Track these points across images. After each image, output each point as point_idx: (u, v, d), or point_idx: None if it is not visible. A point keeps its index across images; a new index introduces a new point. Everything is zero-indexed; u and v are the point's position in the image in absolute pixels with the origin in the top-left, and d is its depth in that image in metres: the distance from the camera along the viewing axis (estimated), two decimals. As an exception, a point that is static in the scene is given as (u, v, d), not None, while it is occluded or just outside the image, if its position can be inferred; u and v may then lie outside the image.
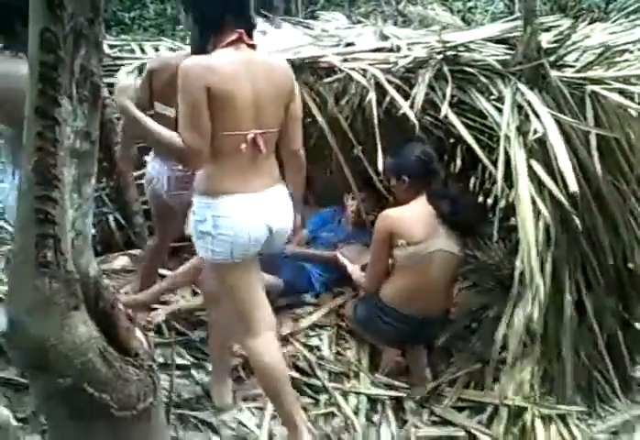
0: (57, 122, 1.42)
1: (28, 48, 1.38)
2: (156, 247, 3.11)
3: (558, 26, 2.83)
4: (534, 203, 2.24)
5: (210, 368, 2.61)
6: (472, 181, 4.04)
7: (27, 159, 1.41)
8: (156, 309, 3.02)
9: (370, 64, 2.76)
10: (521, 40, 2.31)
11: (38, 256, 1.42)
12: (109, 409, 1.53)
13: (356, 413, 2.49)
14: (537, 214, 2.28)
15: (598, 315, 2.46)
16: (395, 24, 3.90)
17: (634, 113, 2.23)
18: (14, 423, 2.05)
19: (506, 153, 2.32)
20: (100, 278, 1.67)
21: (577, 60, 2.50)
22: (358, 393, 2.57)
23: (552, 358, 2.45)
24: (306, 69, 2.97)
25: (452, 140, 3.49)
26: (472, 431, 2.41)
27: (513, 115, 2.31)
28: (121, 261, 3.63)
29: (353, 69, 2.77)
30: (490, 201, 4.10)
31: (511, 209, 3.97)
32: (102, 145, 1.82)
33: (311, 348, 2.97)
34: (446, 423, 2.49)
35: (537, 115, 2.16)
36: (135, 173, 3.53)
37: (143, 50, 3.89)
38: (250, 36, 1.98)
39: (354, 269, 2.99)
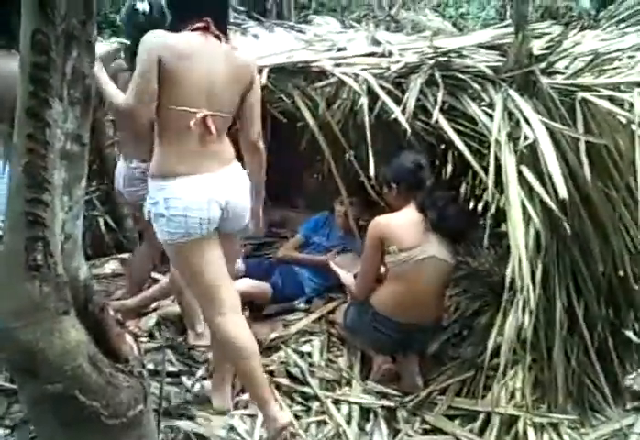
0: (47, 124, 1.41)
1: (20, 49, 1.37)
2: (145, 251, 3.09)
3: (549, 33, 2.84)
4: (524, 208, 2.24)
5: (199, 374, 2.59)
6: (463, 187, 4.04)
7: (17, 161, 1.39)
8: (147, 314, 3.00)
9: (362, 69, 2.76)
10: (512, 47, 2.32)
11: (27, 259, 1.41)
12: (99, 416, 1.51)
13: (348, 422, 2.47)
14: (527, 220, 2.28)
15: (588, 322, 2.46)
16: (387, 29, 3.91)
17: (623, 120, 2.23)
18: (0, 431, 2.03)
19: (497, 159, 2.33)
20: (90, 282, 1.65)
21: (567, 67, 2.51)
22: (349, 402, 2.55)
23: (543, 366, 2.45)
24: (298, 73, 2.97)
25: (443, 146, 3.49)
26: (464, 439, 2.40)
27: (504, 122, 2.32)
28: (111, 265, 3.61)
29: (345, 74, 2.77)
30: (480, 207, 4.12)
31: (501, 215, 4.05)
32: (92, 147, 1.85)
33: (302, 355, 2.95)
34: (437, 431, 2.47)
35: (528, 122, 2.16)
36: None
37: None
38: (219, 26, 2.08)
39: (346, 277, 2.98)
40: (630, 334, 2.59)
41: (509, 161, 2.21)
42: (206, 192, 2.06)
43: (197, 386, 2.61)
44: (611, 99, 2.27)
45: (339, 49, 3.16)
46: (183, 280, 2.34)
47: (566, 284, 2.43)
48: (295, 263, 3.55)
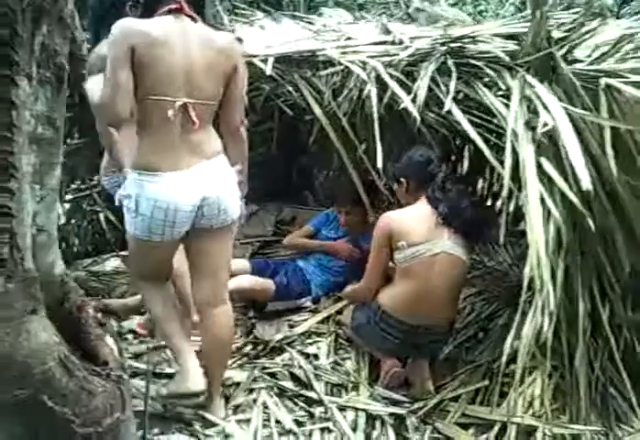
0: (14, 105, 1.29)
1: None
2: None
3: (569, 22, 2.66)
4: (543, 203, 2.08)
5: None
6: (480, 182, 3.88)
7: (-22, 145, 1.27)
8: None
9: (370, 57, 2.62)
10: (530, 29, 2.16)
11: (-10, 252, 1.28)
12: (70, 424, 1.38)
13: (354, 429, 2.31)
14: (547, 215, 2.11)
15: (613, 326, 2.28)
16: (401, 21, 3.76)
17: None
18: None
19: (514, 151, 2.16)
20: (68, 278, 1.53)
21: (589, 55, 2.34)
22: (356, 408, 2.40)
23: (564, 373, 2.28)
24: (304, 62, 2.84)
25: (459, 140, 3.32)
26: (478, 450, 2.24)
27: (522, 110, 2.15)
28: (113, 263, 3.49)
29: (352, 62, 2.62)
30: (499, 204, 3.95)
31: (520, 211, 3.88)
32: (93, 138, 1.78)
33: (307, 356, 2.81)
34: (449, 440, 2.32)
35: (547, 109, 1.99)
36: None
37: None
38: (196, 8, 2.00)
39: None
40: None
41: (527, 153, 2.05)
42: (178, 193, 1.99)
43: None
44: (637, 86, 2.09)
45: (348, 38, 3.03)
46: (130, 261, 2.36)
47: (589, 285, 2.25)
48: (302, 249, 3.44)
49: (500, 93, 2.38)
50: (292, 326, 3.04)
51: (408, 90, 2.52)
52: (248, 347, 2.85)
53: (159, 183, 1.97)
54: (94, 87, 2.03)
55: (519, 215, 3.92)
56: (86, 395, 1.40)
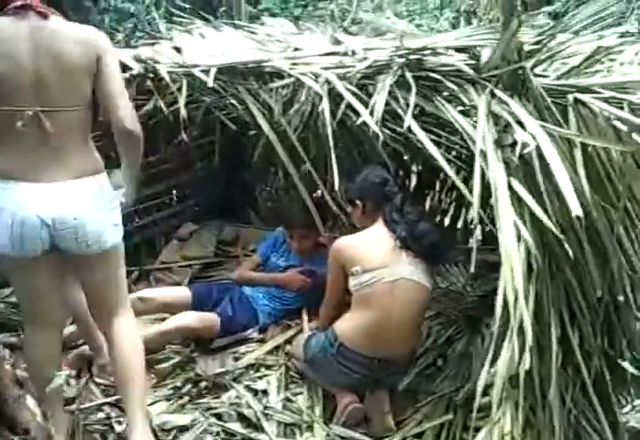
0: None
1: None
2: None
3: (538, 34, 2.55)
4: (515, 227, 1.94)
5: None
6: (429, 199, 3.77)
7: None
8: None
9: (323, 69, 2.43)
10: (500, 40, 2.02)
11: None
12: None
13: (310, 476, 2.12)
14: (518, 238, 1.98)
15: (583, 354, 2.16)
16: (347, 32, 3.59)
17: (623, 127, 1.93)
18: None
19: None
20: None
21: (555, 69, 2.24)
22: (312, 452, 2.19)
23: (534, 405, 2.13)
24: (250, 74, 2.63)
25: (408, 155, 3.18)
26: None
27: (489, 127, 2.01)
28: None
29: (303, 74, 2.43)
30: (447, 222, 3.85)
31: (469, 229, 3.79)
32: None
33: (256, 393, 2.59)
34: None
35: (522, 126, 1.86)
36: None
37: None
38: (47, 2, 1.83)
39: None
40: (626, 364, 2.31)
41: (498, 174, 1.90)
42: (26, 205, 1.82)
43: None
44: (607, 102, 1.99)
45: (295, 49, 2.84)
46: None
47: (559, 310, 2.13)
48: (254, 284, 3.18)
49: (460, 108, 2.25)
50: (237, 359, 2.81)
51: (364, 104, 2.35)
52: (189, 386, 2.59)
53: (8, 192, 1.83)
54: None
55: (467, 232, 3.91)
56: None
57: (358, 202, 2.51)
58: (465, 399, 2.38)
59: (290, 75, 2.49)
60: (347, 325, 2.38)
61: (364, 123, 2.27)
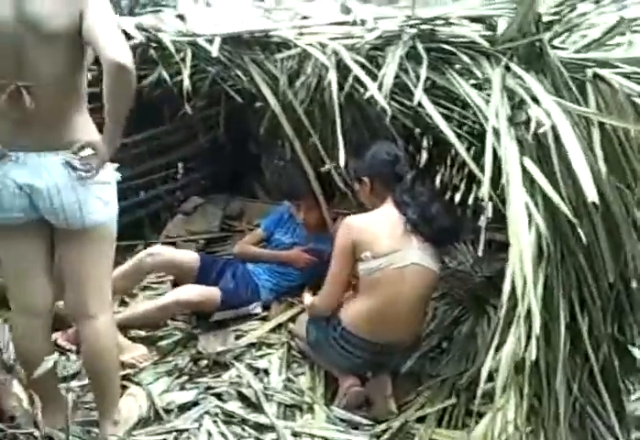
0: None
1: None
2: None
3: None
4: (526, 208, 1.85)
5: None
6: (439, 175, 3.67)
7: None
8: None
9: (331, 39, 2.33)
10: (517, 11, 1.90)
11: None
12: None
13: (310, 458, 2.08)
14: (529, 221, 1.89)
15: (592, 340, 2.09)
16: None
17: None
18: None
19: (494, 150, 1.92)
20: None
21: (575, 41, 2.12)
22: (312, 435, 2.14)
23: (539, 393, 2.07)
24: (255, 44, 2.53)
25: (418, 130, 3.08)
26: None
27: (503, 103, 1.91)
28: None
29: (310, 44, 2.33)
30: (457, 199, 3.75)
31: (479, 207, 3.69)
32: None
33: (257, 372, 2.55)
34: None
35: (538, 103, 1.75)
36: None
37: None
38: None
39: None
40: (636, 351, 2.23)
41: (510, 153, 1.80)
42: (3, 171, 1.80)
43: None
44: (628, 77, 1.88)
45: (303, 18, 2.73)
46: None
47: (569, 296, 2.05)
48: (254, 260, 3.12)
49: (472, 82, 2.14)
50: (239, 337, 2.76)
51: (372, 77, 2.25)
52: (191, 364, 2.56)
53: None
54: None
55: (478, 211, 3.80)
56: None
57: (365, 179, 2.41)
58: (469, 383, 2.33)
59: (296, 46, 2.39)
60: (352, 311, 2.30)
61: (372, 96, 2.18)
